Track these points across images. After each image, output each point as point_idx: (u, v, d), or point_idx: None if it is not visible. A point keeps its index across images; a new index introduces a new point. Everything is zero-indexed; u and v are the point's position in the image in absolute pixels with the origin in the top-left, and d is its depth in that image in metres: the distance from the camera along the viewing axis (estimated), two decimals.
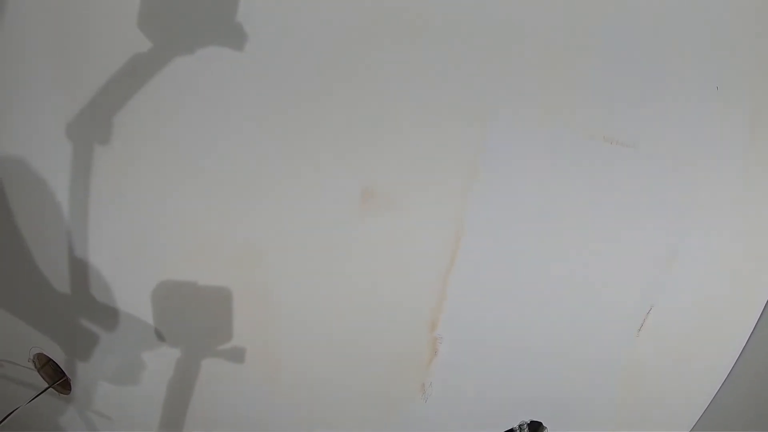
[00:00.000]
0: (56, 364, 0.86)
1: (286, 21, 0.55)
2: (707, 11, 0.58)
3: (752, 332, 0.83)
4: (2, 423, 0.84)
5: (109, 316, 0.73)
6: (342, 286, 0.62)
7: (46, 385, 0.88)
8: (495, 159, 0.58)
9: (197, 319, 0.70)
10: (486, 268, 0.62)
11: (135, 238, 0.67)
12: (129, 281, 0.70)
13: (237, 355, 0.70)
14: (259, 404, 0.73)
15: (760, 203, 0.69)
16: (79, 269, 0.70)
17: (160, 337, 0.72)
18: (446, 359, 0.67)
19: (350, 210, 0.57)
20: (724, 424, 0.91)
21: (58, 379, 0.89)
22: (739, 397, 0.89)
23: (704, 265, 0.72)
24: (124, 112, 0.59)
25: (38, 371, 0.89)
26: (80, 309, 0.74)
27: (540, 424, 0.86)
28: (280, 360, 0.67)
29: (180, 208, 0.63)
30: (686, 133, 0.62)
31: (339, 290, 0.62)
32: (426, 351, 0.66)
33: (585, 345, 0.75)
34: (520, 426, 0.85)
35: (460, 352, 0.67)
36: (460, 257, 0.60)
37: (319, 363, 0.69)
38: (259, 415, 0.74)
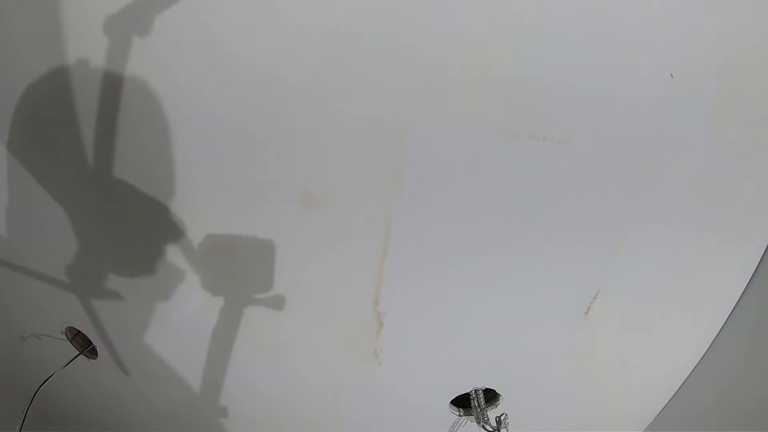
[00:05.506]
0: (84, 334, 1.00)
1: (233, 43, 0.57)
2: None
3: (722, 328, 0.82)
4: (41, 387, 0.98)
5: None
6: (296, 272, 0.72)
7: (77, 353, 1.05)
8: (419, 159, 0.61)
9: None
10: (416, 255, 0.69)
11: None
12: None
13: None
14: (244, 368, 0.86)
15: (713, 194, 0.68)
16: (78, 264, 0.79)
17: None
18: (392, 331, 0.75)
19: (293, 210, 0.66)
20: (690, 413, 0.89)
21: (86, 347, 1.04)
22: (704, 390, 0.87)
23: (656, 254, 0.72)
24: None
25: (70, 341, 1.03)
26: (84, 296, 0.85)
27: (494, 392, 0.90)
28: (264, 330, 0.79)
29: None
30: (626, 125, 0.60)
31: (294, 274, 0.72)
32: (373, 324, 0.75)
33: (531, 321, 0.78)
34: (475, 391, 0.89)
35: (402, 325, 0.75)
36: (391, 246, 0.68)
37: (290, 334, 0.80)
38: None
